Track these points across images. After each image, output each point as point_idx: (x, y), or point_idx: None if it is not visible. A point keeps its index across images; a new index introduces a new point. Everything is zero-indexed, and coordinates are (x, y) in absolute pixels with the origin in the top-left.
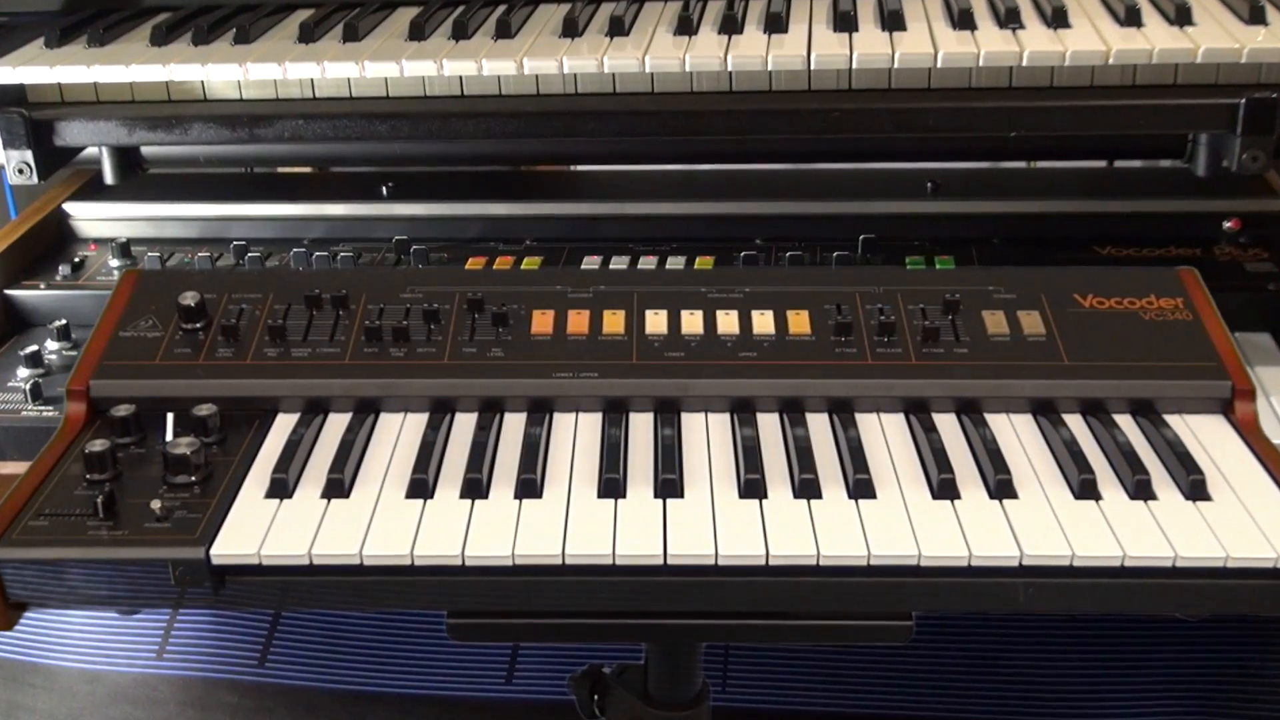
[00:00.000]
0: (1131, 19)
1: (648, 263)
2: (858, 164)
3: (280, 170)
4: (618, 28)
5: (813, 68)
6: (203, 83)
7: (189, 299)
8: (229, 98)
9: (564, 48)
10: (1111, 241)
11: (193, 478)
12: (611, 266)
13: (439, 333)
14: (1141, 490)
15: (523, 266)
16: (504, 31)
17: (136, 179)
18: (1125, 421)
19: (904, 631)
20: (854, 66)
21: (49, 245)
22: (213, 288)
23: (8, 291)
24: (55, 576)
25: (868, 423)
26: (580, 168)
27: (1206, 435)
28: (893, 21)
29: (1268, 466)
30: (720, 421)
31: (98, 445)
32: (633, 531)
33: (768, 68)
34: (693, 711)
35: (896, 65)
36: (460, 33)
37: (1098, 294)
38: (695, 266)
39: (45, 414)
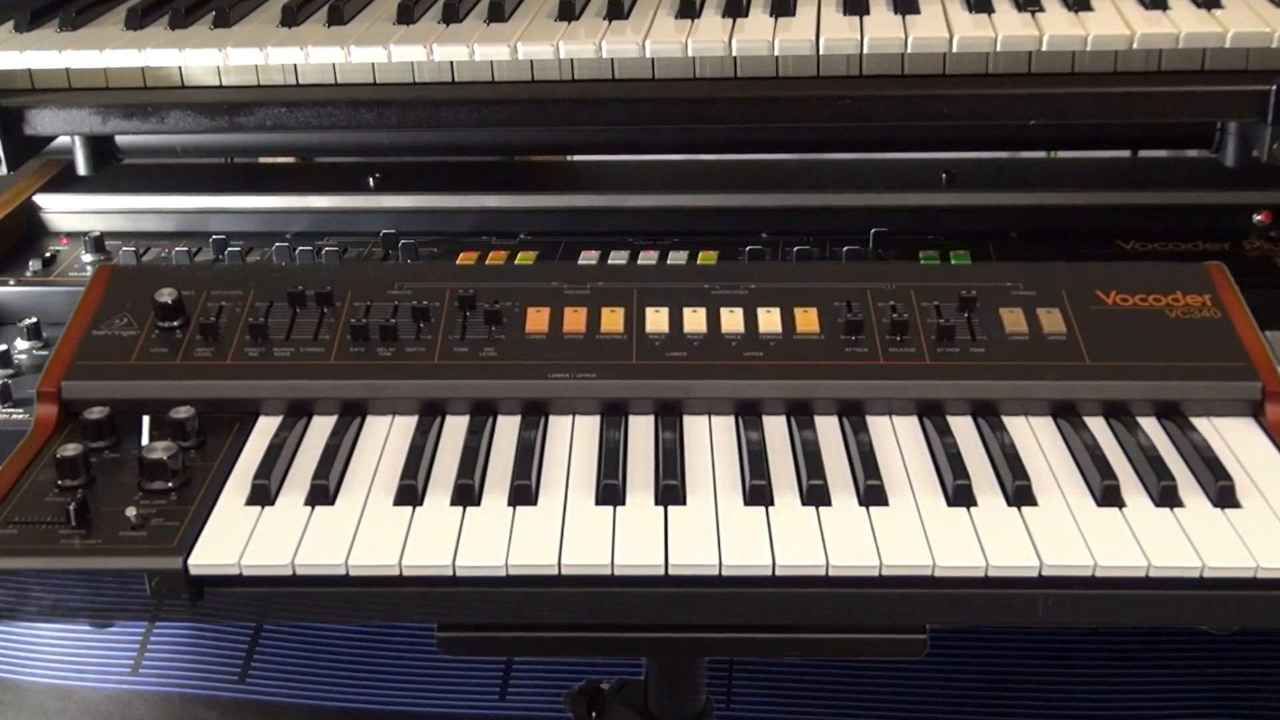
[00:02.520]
0: (1157, 1)
1: (648, 258)
2: (869, 154)
3: (262, 160)
4: (616, 10)
5: (822, 52)
6: (180, 68)
7: (166, 296)
8: (208, 84)
9: (560, 31)
10: (1136, 235)
11: (170, 484)
12: (610, 262)
13: (428, 331)
14: (1167, 497)
15: (516, 261)
16: (497, 14)
17: (111, 170)
18: (1150, 424)
19: (917, 646)
20: (865, 51)
21: (18, 239)
22: (191, 284)
23: None
24: (25, 588)
25: (879, 426)
26: (577, 158)
27: (1235, 439)
28: (905, 4)
29: None
30: (724, 424)
31: (70, 450)
32: (632, 540)
33: (774, 52)
34: None
35: (910, 50)
36: (451, 15)
37: (1121, 290)
38: (698, 262)
39: (14, 417)
